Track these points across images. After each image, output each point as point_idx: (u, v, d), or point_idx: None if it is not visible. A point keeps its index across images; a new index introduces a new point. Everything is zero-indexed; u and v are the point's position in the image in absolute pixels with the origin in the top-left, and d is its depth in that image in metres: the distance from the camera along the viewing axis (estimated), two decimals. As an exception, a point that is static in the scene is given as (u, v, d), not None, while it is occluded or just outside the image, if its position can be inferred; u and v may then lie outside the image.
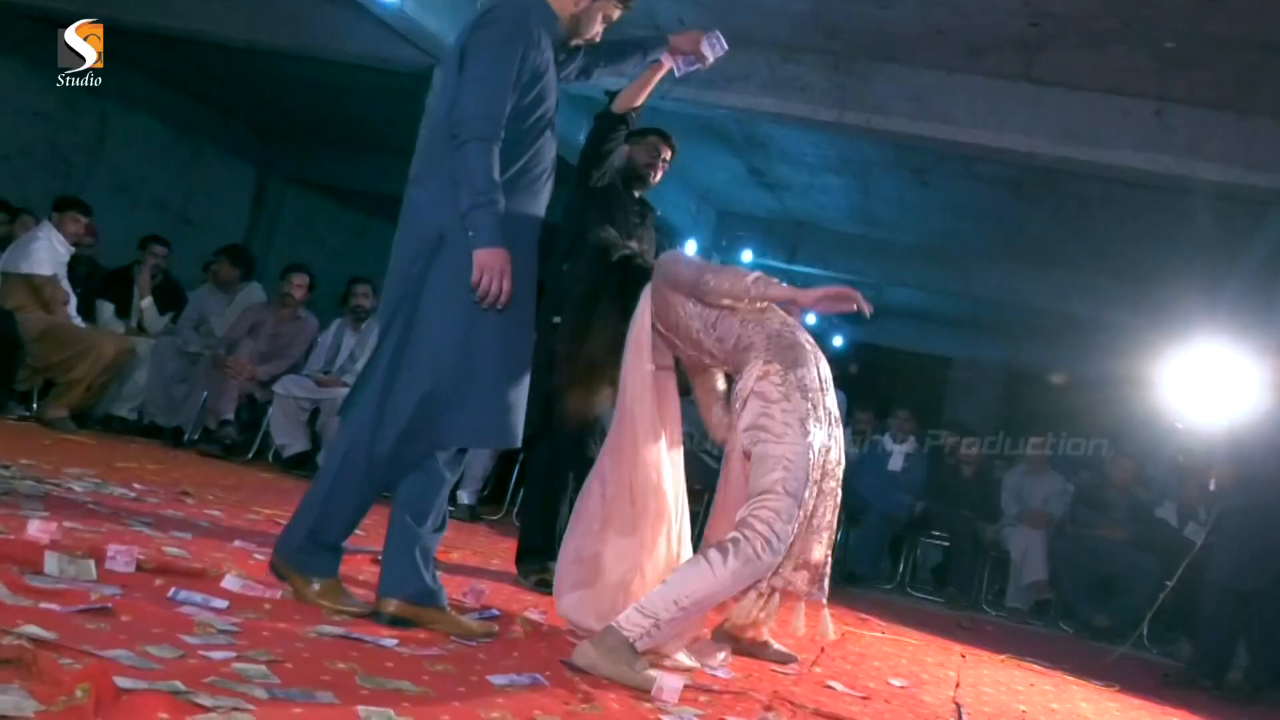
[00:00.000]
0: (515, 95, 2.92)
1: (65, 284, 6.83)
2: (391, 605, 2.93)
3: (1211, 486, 5.59)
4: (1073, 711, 3.97)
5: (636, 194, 4.56)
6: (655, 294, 3.31)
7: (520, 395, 3.02)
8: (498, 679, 2.54)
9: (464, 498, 6.56)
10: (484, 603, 3.46)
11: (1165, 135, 6.73)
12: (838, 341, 18.24)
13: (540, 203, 3.09)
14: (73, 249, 6.88)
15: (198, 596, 2.67)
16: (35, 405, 6.68)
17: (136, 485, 4.61)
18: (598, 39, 3.25)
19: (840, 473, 3.34)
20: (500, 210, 2.86)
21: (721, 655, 3.32)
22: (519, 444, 3.09)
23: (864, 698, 3.35)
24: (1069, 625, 7.17)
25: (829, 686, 3.39)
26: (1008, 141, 7.07)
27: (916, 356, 17.88)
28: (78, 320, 6.89)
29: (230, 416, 7.01)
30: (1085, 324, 12.64)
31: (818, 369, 3.18)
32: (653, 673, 2.81)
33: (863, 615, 5.56)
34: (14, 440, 5.51)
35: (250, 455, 7.03)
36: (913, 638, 5.15)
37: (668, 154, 4.58)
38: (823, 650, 4.13)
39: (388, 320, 3.02)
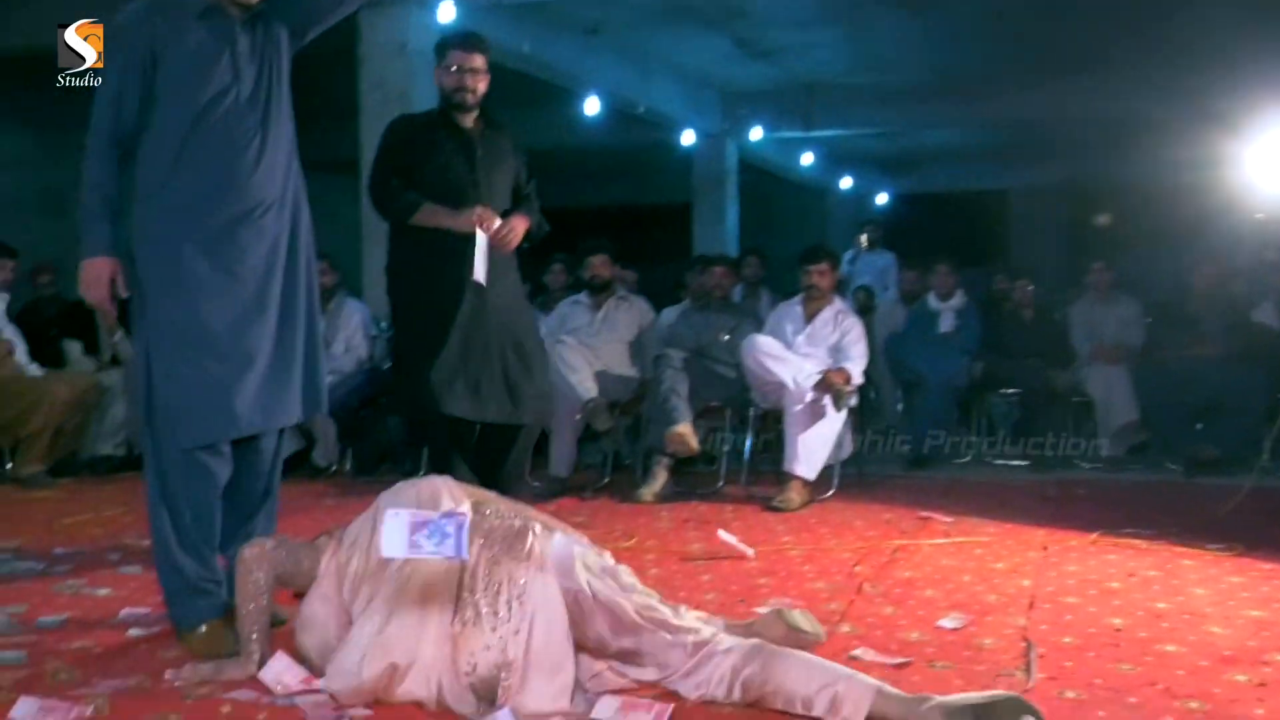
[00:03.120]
0: (156, 91, 2.82)
1: (9, 332, 6.28)
2: None
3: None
4: (1184, 608, 3.16)
5: (466, 124, 4.14)
6: None
7: (263, 377, 2.86)
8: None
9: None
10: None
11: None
12: (882, 199, 17.18)
13: (257, 178, 2.87)
14: (6, 295, 6.35)
15: (-47, 749, 2.02)
16: (9, 466, 6.13)
17: (58, 550, 4.03)
18: None
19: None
20: (101, 219, 2.81)
21: None
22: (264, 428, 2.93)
23: (899, 666, 2.59)
24: (1175, 464, 6.30)
25: (854, 658, 2.64)
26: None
27: (969, 197, 16.77)
28: (33, 369, 6.31)
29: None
30: (1143, 125, 11.40)
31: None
32: None
33: (924, 513, 4.78)
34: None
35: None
36: (985, 532, 4.36)
37: (475, 61, 4.05)
38: (860, 590, 3.38)
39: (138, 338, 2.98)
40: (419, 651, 2.25)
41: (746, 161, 12.69)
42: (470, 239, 4.00)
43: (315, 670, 2.40)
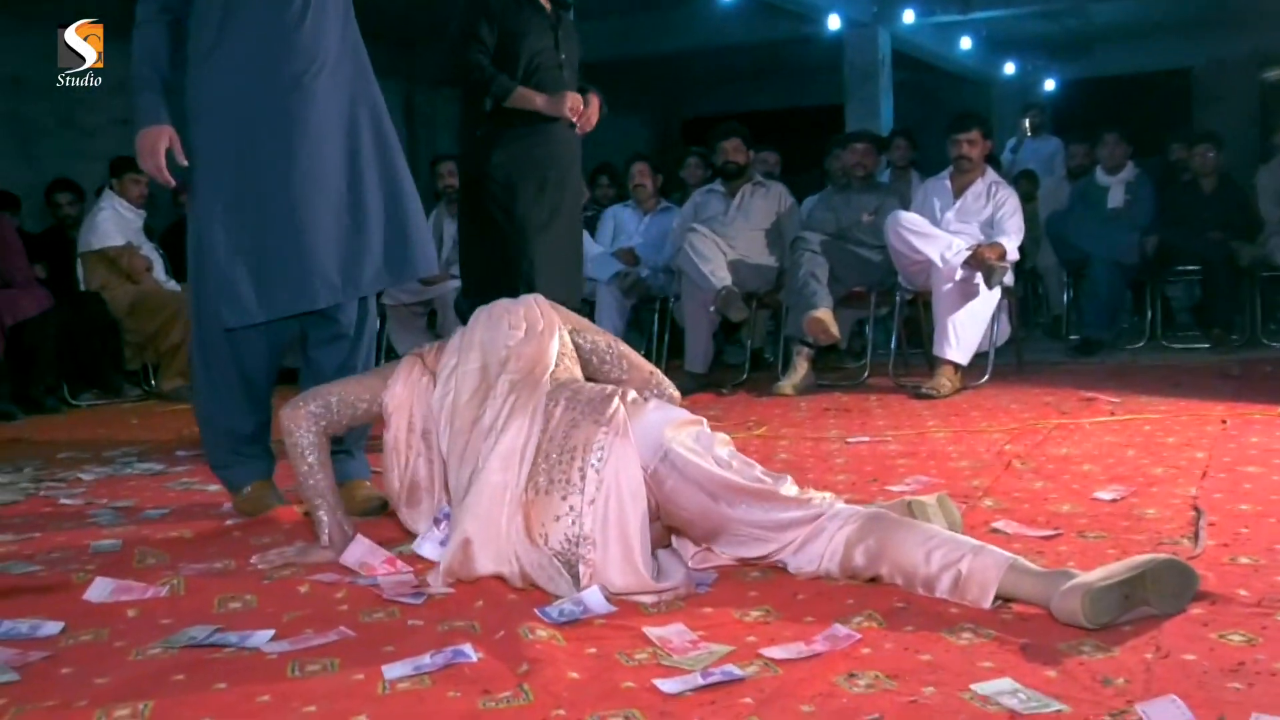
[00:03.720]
0: None
1: (147, 249, 6.38)
2: None
3: None
4: (1385, 473, 2.78)
5: (544, 3, 3.96)
6: None
7: (320, 250, 2.75)
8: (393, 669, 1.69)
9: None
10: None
11: None
12: (1049, 86, 16.15)
13: (303, 37, 2.75)
14: (143, 212, 6.40)
15: (24, 625, 1.95)
16: (154, 381, 6.30)
17: (180, 453, 4.05)
18: None
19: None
20: (152, 89, 2.79)
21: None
22: (320, 305, 2.79)
23: (1047, 538, 2.31)
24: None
25: (995, 531, 2.37)
26: None
27: (1146, 79, 15.60)
28: (172, 284, 6.42)
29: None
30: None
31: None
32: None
33: (1089, 394, 4.40)
34: (102, 421, 5.24)
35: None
36: (1155, 409, 3.97)
37: None
38: (1008, 466, 3.08)
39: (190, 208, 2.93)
40: (493, 524, 2.08)
41: (900, 52, 12.00)
42: (556, 121, 3.89)
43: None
